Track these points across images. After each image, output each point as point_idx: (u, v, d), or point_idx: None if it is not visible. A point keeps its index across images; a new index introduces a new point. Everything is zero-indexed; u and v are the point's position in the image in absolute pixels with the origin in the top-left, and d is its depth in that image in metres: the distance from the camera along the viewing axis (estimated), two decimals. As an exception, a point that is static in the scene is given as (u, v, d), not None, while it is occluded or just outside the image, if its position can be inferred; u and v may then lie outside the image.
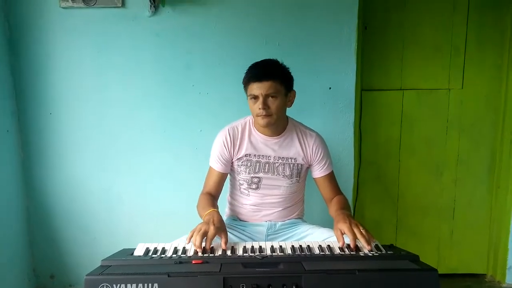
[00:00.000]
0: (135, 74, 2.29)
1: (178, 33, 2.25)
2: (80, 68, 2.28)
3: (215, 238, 1.52)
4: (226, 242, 1.51)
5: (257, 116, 1.73)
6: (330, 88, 2.32)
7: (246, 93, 1.76)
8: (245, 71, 1.76)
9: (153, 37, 2.25)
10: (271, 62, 1.76)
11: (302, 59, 2.27)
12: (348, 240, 1.52)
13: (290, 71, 1.79)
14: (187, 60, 2.28)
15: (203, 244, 1.48)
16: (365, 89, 2.50)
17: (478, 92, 2.54)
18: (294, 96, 1.82)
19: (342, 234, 1.53)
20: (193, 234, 1.50)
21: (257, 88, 1.69)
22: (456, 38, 2.48)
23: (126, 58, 2.27)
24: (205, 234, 1.49)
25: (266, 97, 1.69)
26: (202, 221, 1.65)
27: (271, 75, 1.69)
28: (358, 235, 1.48)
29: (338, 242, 1.54)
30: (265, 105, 1.69)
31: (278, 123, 1.78)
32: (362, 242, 1.47)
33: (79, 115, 2.33)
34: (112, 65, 2.28)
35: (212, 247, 1.51)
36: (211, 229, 1.51)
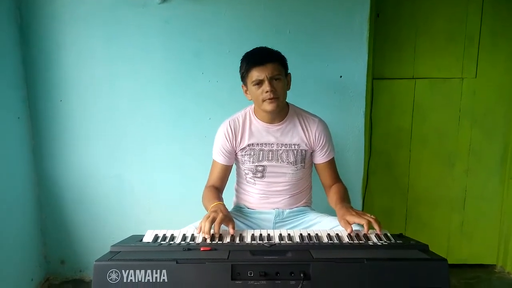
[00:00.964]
0: (144, 62, 2.29)
1: (188, 20, 2.24)
2: (90, 56, 2.29)
3: (222, 226, 1.53)
4: (233, 227, 1.55)
5: (264, 101, 1.72)
6: (341, 76, 2.29)
7: (246, 82, 1.74)
8: (241, 62, 1.76)
9: (163, 24, 2.24)
10: (265, 48, 1.77)
11: (313, 47, 2.24)
12: (357, 227, 1.56)
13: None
14: (196, 48, 2.27)
15: (212, 231, 1.49)
16: (376, 77, 2.47)
17: (491, 82, 2.49)
18: (291, 79, 1.83)
19: (350, 224, 1.55)
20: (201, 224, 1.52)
21: (260, 72, 1.68)
22: (470, 27, 2.44)
23: (135, 46, 2.27)
24: (213, 221, 1.51)
25: (271, 79, 1.68)
26: (207, 211, 1.69)
27: (272, 58, 1.70)
28: (371, 220, 1.51)
29: (346, 230, 1.55)
30: (272, 87, 1.68)
31: (281, 108, 1.77)
32: (375, 226, 1.51)
33: (90, 102, 2.33)
34: (121, 53, 2.28)
35: (221, 234, 1.51)
36: (220, 215, 1.54)
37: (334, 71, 2.28)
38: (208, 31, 2.25)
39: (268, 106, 1.72)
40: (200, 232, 1.51)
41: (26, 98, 2.31)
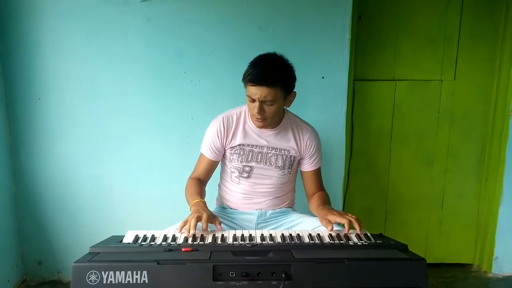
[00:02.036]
0: (125, 60, 2.26)
1: (170, 18, 2.22)
2: (70, 53, 2.25)
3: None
4: (220, 223, 1.58)
5: (252, 116, 1.73)
6: (323, 77, 2.31)
7: (245, 89, 1.70)
8: (248, 65, 1.67)
9: (145, 22, 2.22)
10: (274, 63, 1.66)
11: (295, 47, 2.25)
12: (337, 227, 1.59)
13: (294, 70, 1.70)
14: (179, 46, 2.25)
15: (198, 227, 1.51)
16: (358, 79, 2.50)
17: (470, 84, 2.54)
18: (294, 97, 1.77)
19: (331, 223, 1.58)
20: (184, 224, 1.53)
21: (255, 92, 1.62)
22: (449, 29, 2.48)
23: (116, 44, 2.24)
24: (199, 219, 1.53)
25: (262, 102, 1.64)
26: (188, 205, 1.71)
27: (270, 81, 1.60)
28: (352, 219, 1.54)
29: (327, 228, 1.58)
30: (261, 110, 1.65)
31: (269, 125, 1.77)
32: (355, 225, 1.53)
33: (69, 100, 2.29)
34: (102, 51, 2.25)
35: (202, 234, 1.51)
36: (205, 214, 1.55)
37: (317, 71, 2.30)
38: (191, 29, 2.23)
39: (255, 122, 1.74)
40: (180, 231, 1.52)
41: (3, 96, 2.26)
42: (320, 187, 1.92)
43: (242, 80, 1.67)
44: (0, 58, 2.23)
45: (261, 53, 1.72)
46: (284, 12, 2.23)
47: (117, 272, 1.20)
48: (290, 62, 1.71)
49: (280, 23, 2.24)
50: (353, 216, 1.57)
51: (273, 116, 1.70)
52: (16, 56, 2.24)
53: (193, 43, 2.25)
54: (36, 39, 2.22)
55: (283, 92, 1.66)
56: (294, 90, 1.75)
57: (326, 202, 1.80)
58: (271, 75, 1.61)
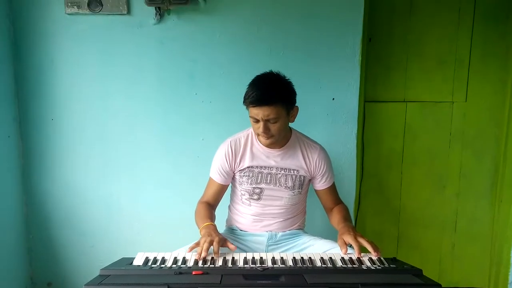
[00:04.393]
0: (138, 82, 2.29)
1: (182, 41, 2.25)
2: (83, 75, 2.28)
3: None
4: (233, 247, 1.57)
5: (258, 136, 1.74)
6: (333, 99, 2.31)
7: (248, 110, 1.72)
8: (246, 87, 1.69)
9: (158, 45, 2.25)
10: (271, 82, 1.68)
11: (306, 69, 2.26)
12: (350, 251, 1.57)
13: (292, 85, 1.73)
14: (190, 68, 2.28)
15: (210, 250, 1.50)
16: (368, 100, 2.50)
17: (481, 106, 2.53)
18: (297, 111, 1.78)
19: (346, 244, 1.57)
20: (197, 244, 1.53)
21: (257, 113, 1.64)
22: (460, 51, 2.48)
23: (129, 66, 2.27)
24: (211, 242, 1.52)
25: (266, 121, 1.66)
26: (198, 228, 1.71)
27: (271, 100, 1.62)
28: (365, 243, 1.53)
29: (341, 249, 1.56)
30: (266, 129, 1.66)
31: (277, 142, 1.77)
32: (369, 249, 1.52)
33: (81, 121, 2.32)
34: (115, 72, 2.28)
35: (212, 257, 1.49)
36: (217, 237, 1.55)
37: (327, 93, 2.30)
38: (203, 52, 2.26)
39: (263, 141, 1.75)
40: (190, 251, 1.52)
41: (17, 116, 2.29)
42: (338, 200, 1.92)
43: (243, 103, 1.69)
44: (14, 79, 2.27)
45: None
46: (294, 35, 2.25)
47: (128, 295, 1.19)
48: (287, 78, 1.73)
49: (290, 45, 2.26)
50: (369, 241, 1.54)
51: (279, 133, 1.71)
52: (29, 76, 2.27)
53: (205, 65, 2.27)
54: (49, 60, 2.26)
55: (285, 109, 1.68)
56: (296, 105, 1.76)
57: (346, 217, 1.79)
58: (271, 94, 1.63)
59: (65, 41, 2.25)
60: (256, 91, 1.63)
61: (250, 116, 1.69)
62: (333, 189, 1.92)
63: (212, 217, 1.79)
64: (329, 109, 2.32)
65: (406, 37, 2.47)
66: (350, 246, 1.62)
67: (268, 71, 1.75)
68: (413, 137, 2.56)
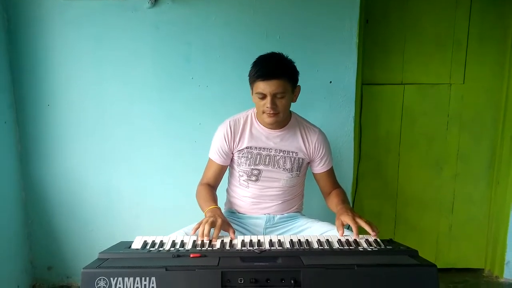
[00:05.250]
0: (133, 67, 2.27)
1: (178, 25, 2.23)
2: (79, 60, 2.26)
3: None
4: (234, 232, 1.57)
5: (264, 113, 1.73)
6: (330, 82, 2.30)
7: (252, 88, 1.73)
8: (251, 66, 1.71)
9: (153, 29, 2.23)
10: (278, 58, 1.71)
11: (303, 52, 2.24)
12: (347, 233, 1.58)
13: (295, 64, 1.75)
14: (186, 52, 2.26)
15: (211, 234, 1.51)
16: (366, 83, 2.49)
17: (479, 87, 2.52)
18: (299, 91, 1.80)
19: (343, 225, 1.58)
20: (199, 225, 1.54)
21: (265, 87, 1.65)
22: (458, 32, 2.46)
23: (125, 50, 2.25)
24: (213, 224, 1.53)
25: (274, 96, 1.66)
26: (202, 213, 1.70)
27: (279, 74, 1.64)
28: (363, 224, 1.54)
29: (338, 231, 1.58)
30: (274, 104, 1.67)
31: (281, 120, 1.78)
32: (367, 229, 1.53)
33: (78, 107, 2.31)
34: (111, 57, 2.26)
35: (210, 241, 1.50)
36: (219, 221, 1.56)
37: (324, 76, 2.29)
38: (198, 36, 2.24)
39: (267, 119, 1.73)
40: (194, 233, 1.53)
41: (13, 102, 2.28)
42: (336, 184, 1.93)
43: (249, 79, 1.71)
44: (10, 65, 2.25)
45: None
46: (291, 18, 2.23)
47: (126, 278, 1.20)
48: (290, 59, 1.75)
49: (287, 29, 2.24)
50: (367, 221, 1.56)
51: (284, 110, 1.72)
52: (25, 62, 2.26)
53: (201, 49, 2.26)
54: (44, 46, 2.24)
55: (291, 85, 1.70)
56: (299, 84, 1.77)
57: (344, 200, 1.80)
58: (278, 68, 1.66)
59: (60, 27, 2.23)
60: (264, 66, 1.67)
61: (256, 93, 1.69)
62: (331, 173, 1.92)
63: (215, 199, 1.80)
64: (327, 92, 2.31)
65: (404, 19, 2.46)
66: (348, 227, 1.63)
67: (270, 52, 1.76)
68: (410, 119, 2.56)
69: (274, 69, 1.65)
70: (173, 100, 2.31)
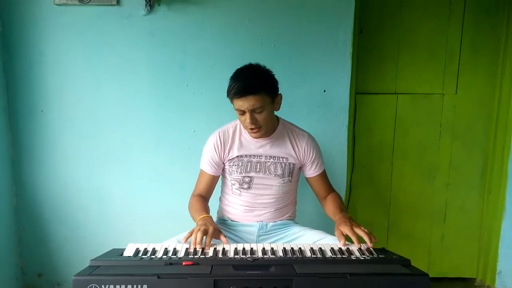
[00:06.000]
0: (128, 73, 2.27)
1: (173, 32, 2.24)
2: (73, 66, 2.26)
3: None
4: (225, 236, 1.57)
5: (246, 128, 1.74)
6: (324, 91, 2.31)
7: (232, 104, 1.71)
8: (229, 81, 1.69)
9: (148, 36, 2.23)
10: (253, 72, 1.70)
11: (297, 61, 2.26)
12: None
13: (273, 74, 1.73)
14: (181, 60, 2.26)
15: (203, 242, 1.51)
16: (359, 92, 2.50)
17: (471, 98, 2.55)
18: (281, 99, 1.79)
19: (344, 235, 1.57)
20: (191, 234, 1.53)
21: (242, 104, 1.64)
22: (451, 43, 2.49)
23: (120, 57, 2.25)
24: (205, 233, 1.52)
25: (252, 112, 1.66)
26: (194, 223, 1.69)
27: (254, 89, 1.62)
28: (362, 233, 1.54)
29: (339, 241, 1.57)
30: (253, 119, 1.67)
31: (266, 133, 1.78)
32: (366, 239, 1.52)
33: (71, 113, 2.30)
34: (105, 64, 2.26)
35: (203, 248, 1.50)
36: (211, 228, 1.55)
37: (318, 85, 2.30)
38: (194, 43, 2.25)
39: (252, 134, 1.75)
40: (186, 242, 1.52)
41: (6, 107, 2.27)
42: (330, 188, 1.93)
43: (228, 96, 1.69)
44: (3, 70, 2.24)
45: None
46: (285, 27, 2.25)
47: (117, 286, 1.19)
48: (267, 68, 1.73)
49: (281, 38, 2.25)
50: (365, 230, 1.56)
51: (266, 123, 1.71)
52: (19, 68, 2.25)
53: (196, 56, 2.26)
54: (39, 51, 2.24)
55: (269, 97, 1.68)
56: (280, 93, 1.76)
57: (341, 207, 1.80)
58: (253, 83, 1.64)
59: (54, 32, 2.22)
60: (238, 82, 1.64)
61: (235, 109, 1.69)
62: (324, 176, 1.92)
63: (207, 209, 1.79)
64: (321, 101, 2.32)
65: (397, 29, 2.48)
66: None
67: (248, 63, 1.75)
68: (403, 128, 2.58)
69: (248, 85, 1.63)
70: (167, 107, 2.31)
